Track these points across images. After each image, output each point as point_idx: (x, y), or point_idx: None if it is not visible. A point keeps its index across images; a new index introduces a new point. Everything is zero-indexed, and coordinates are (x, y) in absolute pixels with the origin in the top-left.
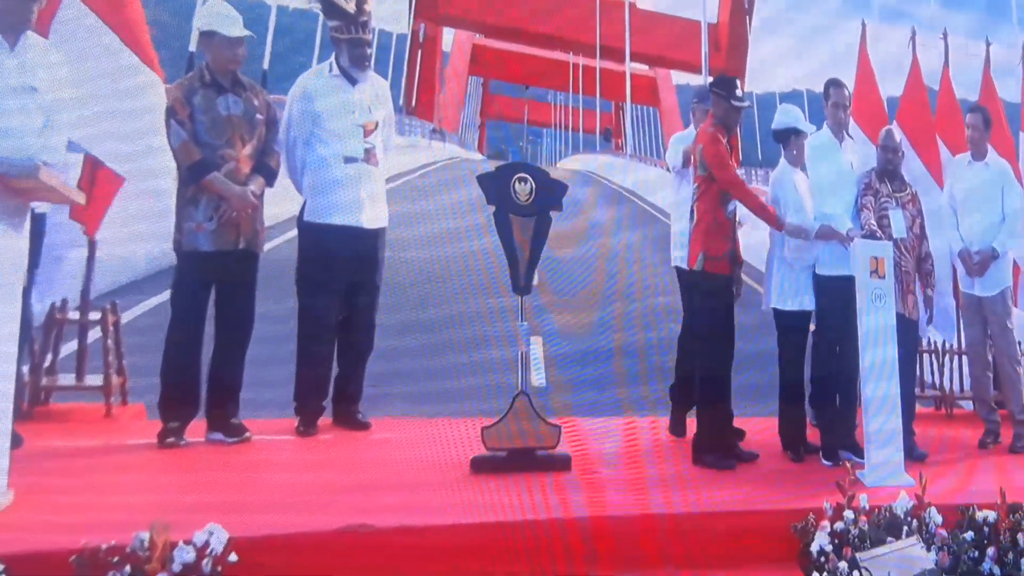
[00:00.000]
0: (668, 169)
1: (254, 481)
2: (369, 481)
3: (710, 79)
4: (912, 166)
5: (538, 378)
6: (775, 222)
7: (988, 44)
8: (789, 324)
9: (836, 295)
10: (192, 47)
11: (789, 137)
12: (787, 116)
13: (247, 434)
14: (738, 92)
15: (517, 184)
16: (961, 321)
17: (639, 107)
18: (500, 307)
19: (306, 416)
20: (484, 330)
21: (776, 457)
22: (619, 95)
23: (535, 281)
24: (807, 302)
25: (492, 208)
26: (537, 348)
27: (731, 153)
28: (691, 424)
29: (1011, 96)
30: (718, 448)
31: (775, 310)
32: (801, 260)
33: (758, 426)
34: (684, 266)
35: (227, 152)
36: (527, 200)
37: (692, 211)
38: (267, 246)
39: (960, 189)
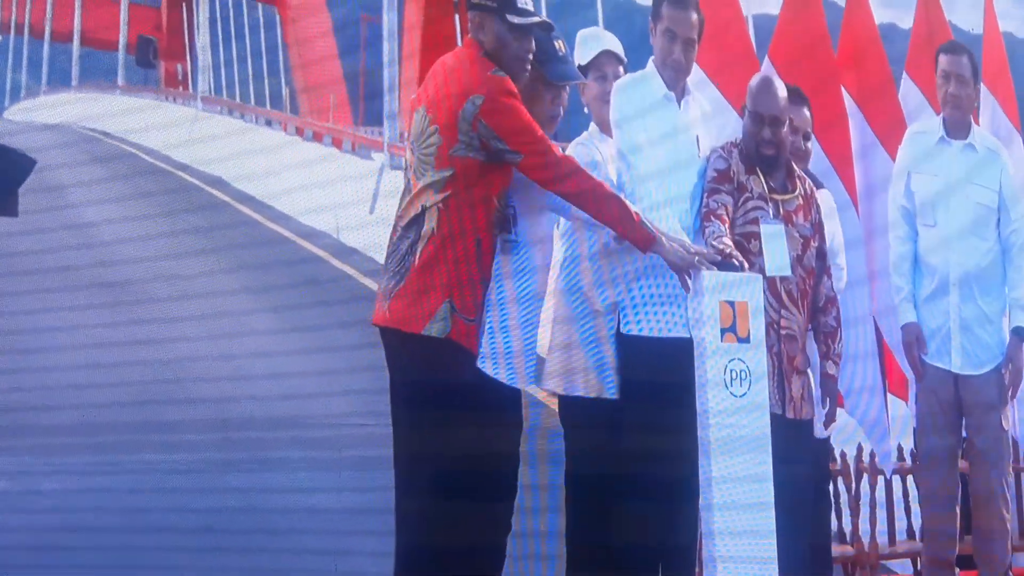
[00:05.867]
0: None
1: None
2: None
3: None
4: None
5: None
6: (648, 237)
7: None
8: (588, 422)
9: (657, 374)
10: None
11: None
12: (586, 46)
13: None
14: (521, 1)
15: None
16: (915, 416)
17: (231, 2)
18: None
19: None
20: None
21: None
22: None
23: None
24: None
25: None
26: None
27: None
28: None
29: (961, 22)
30: None
31: (561, 400)
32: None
33: None
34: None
35: None
36: None
37: (423, 224)
38: None
39: (925, 186)
